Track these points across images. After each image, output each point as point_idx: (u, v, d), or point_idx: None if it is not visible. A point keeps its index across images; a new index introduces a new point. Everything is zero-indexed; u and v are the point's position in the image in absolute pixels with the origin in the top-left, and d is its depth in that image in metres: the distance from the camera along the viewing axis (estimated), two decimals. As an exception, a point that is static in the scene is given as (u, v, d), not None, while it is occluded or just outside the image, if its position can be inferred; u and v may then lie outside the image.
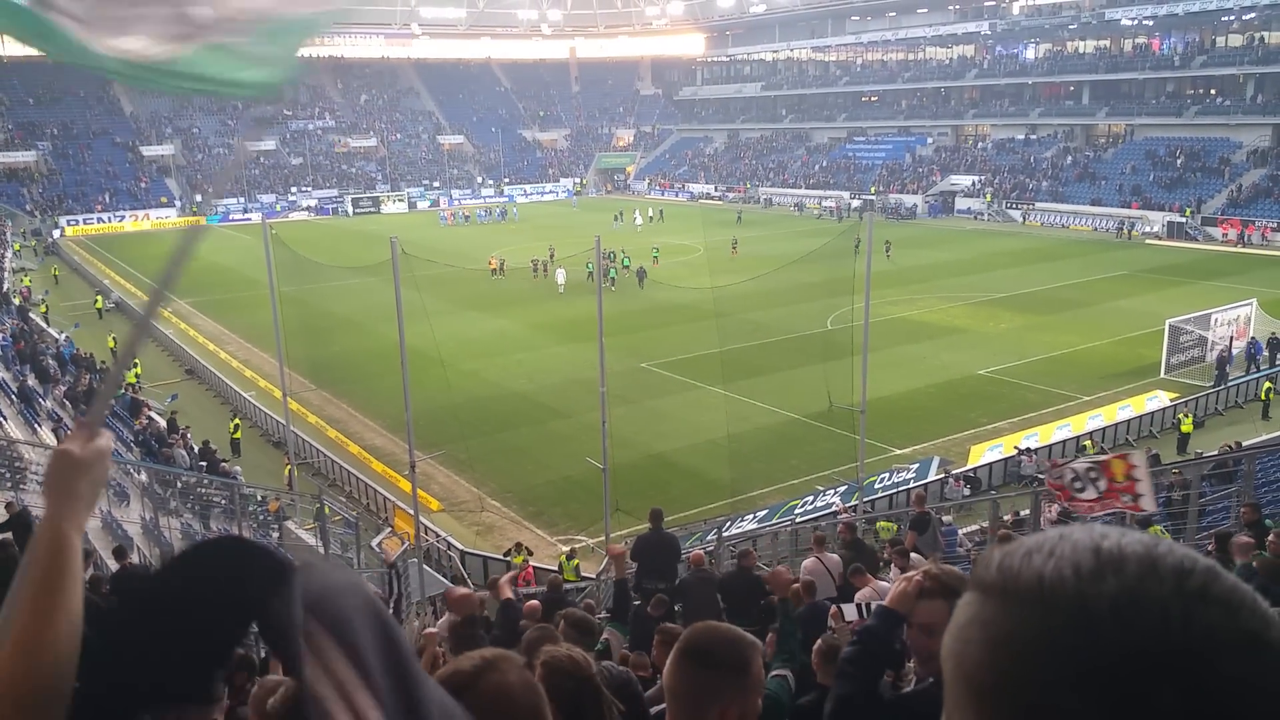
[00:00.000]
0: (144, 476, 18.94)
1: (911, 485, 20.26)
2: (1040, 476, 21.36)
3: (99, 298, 42.28)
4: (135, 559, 12.13)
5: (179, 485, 19.21)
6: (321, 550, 17.42)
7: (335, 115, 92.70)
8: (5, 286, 42.83)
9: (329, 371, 29.74)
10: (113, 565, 10.94)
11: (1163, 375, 27.85)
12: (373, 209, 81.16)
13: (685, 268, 47.14)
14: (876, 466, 21.65)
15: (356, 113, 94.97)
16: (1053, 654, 0.72)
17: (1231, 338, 28.64)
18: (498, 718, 1.52)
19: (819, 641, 4.61)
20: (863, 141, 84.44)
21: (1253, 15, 62.65)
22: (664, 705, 2.35)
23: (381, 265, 17.52)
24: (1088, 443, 23.09)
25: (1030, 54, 77.69)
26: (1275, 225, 52.89)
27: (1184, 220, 56.33)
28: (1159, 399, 26.26)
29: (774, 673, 4.22)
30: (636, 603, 8.61)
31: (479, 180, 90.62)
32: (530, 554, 18.10)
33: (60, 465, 1.43)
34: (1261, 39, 63.58)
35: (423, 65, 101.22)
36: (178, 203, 77.53)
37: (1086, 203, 62.87)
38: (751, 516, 19.75)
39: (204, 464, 22.27)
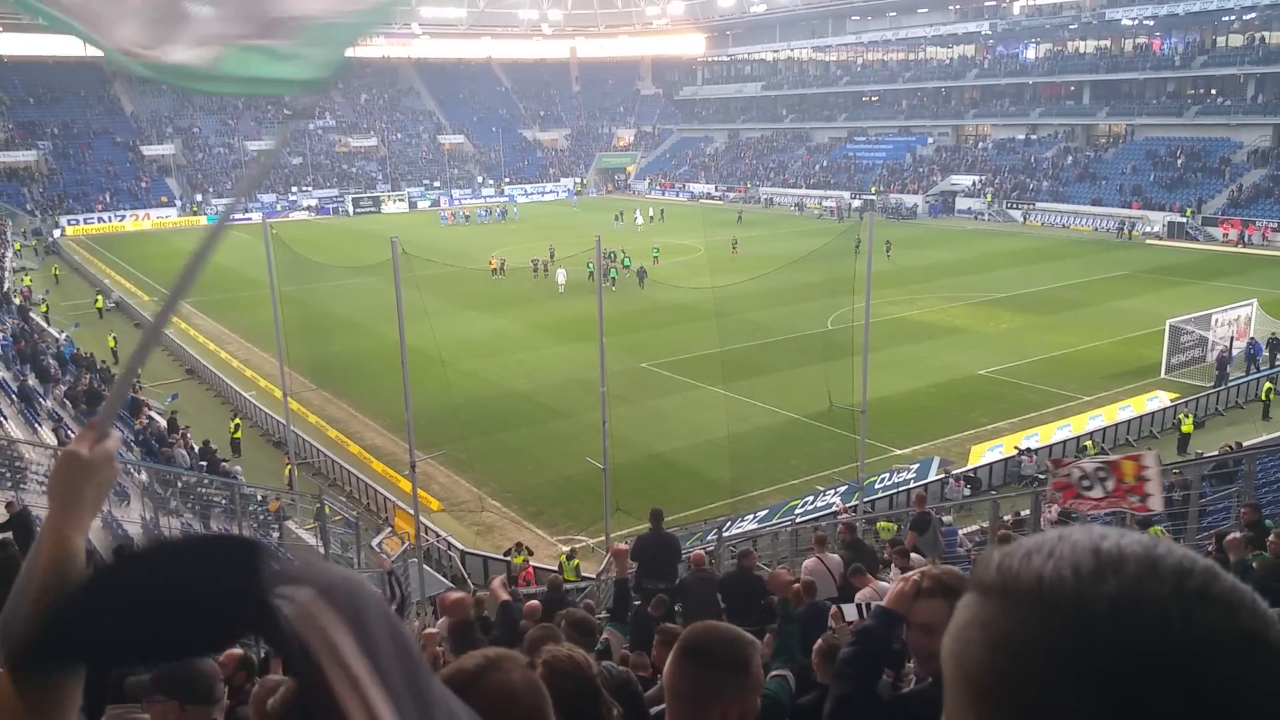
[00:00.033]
0: (144, 476, 18.93)
1: (912, 485, 20.27)
2: (1041, 476, 21.39)
3: (99, 297, 42.30)
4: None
5: (179, 485, 19.21)
6: (322, 550, 17.42)
7: (336, 115, 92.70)
8: (6, 286, 42.84)
9: (329, 371, 29.75)
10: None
11: (1163, 375, 27.84)
12: (373, 209, 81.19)
13: (686, 268, 47.15)
14: (877, 466, 21.65)
15: (357, 112, 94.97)
16: (1052, 654, 0.72)
17: (1232, 338, 28.63)
18: (500, 717, 1.53)
19: (819, 641, 4.61)
20: (863, 141, 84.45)
21: (1253, 15, 62.64)
22: (664, 705, 2.35)
23: (382, 265, 17.52)
24: (1088, 443, 23.08)
25: (1031, 54, 77.68)
26: (1276, 225, 52.88)
27: (1184, 220, 56.32)
28: (1159, 399, 26.26)
29: (774, 673, 4.22)
30: (637, 603, 8.61)
31: (479, 180, 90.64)
32: (530, 554, 18.10)
33: (67, 468, 1.42)
34: (1262, 39, 63.57)
35: (423, 65, 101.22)
36: (178, 202, 77.57)
37: (1087, 203, 62.87)
38: (751, 516, 19.75)
39: (204, 464, 22.27)
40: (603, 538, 17.86)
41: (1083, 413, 25.71)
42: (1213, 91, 65.71)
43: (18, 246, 58.68)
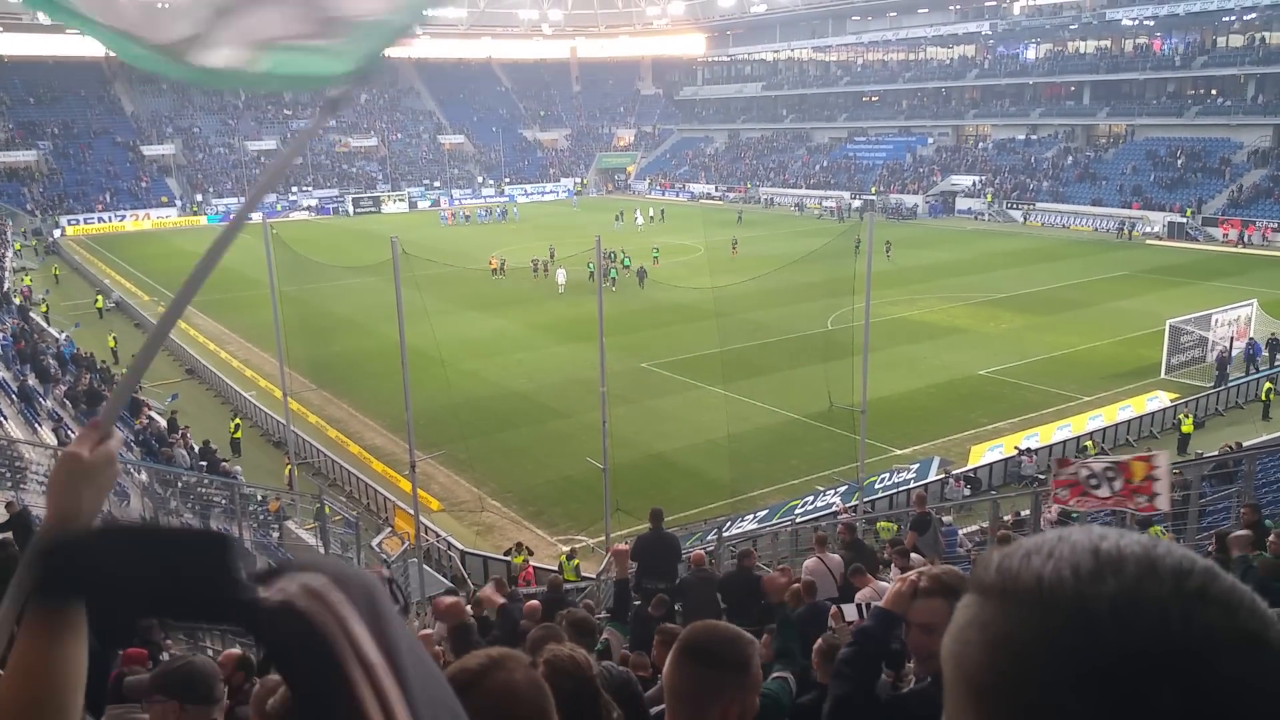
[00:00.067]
0: (144, 476, 18.94)
1: (912, 485, 20.27)
2: (1041, 476, 21.39)
3: (99, 297, 42.31)
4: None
5: (179, 485, 19.20)
6: (321, 550, 17.42)
7: (336, 115, 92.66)
8: (6, 286, 42.86)
9: (329, 371, 29.76)
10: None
11: (1163, 376, 27.84)
12: (373, 209, 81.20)
13: (686, 268, 47.15)
14: (877, 467, 21.65)
15: (357, 112, 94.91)
16: (1052, 655, 0.72)
17: (1232, 338, 28.64)
18: (503, 716, 1.53)
19: (819, 641, 4.62)
20: (863, 141, 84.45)
21: (1254, 15, 62.65)
22: (664, 705, 2.35)
23: (382, 265, 17.53)
24: (1089, 443, 23.09)
25: (1031, 54, 77.69)
26: (1276, 225, 52.88)
27: (1184, 220, 56.32)
28: (1159, 399, 26.26)
29: (775, 674, 4.22)
30: (637, 603, 8.61)
31: (479, 180, 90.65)
32: (530, 554, 18.11)
33: (66, 469, 1.39)
34: (1262, 39, 63.57)
35: (423, 65, 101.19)
36: (178, 202, 77.59)
37: (1087, 203, 62.88)
38: (752, 516, 19.75)
39: (204, 464, 22.28)
40: (603, 538, 17.86)
41: (1083, 413, 25.71)
42: (1213, 92, 65.70)
43: (18, 246, 58.69)
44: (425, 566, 17.72)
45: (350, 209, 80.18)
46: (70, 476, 1.39)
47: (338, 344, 32.71)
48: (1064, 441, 23.52)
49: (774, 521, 19.02)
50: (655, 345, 33.12)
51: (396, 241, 16.32)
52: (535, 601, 8.41)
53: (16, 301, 39.84)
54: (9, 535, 9.12)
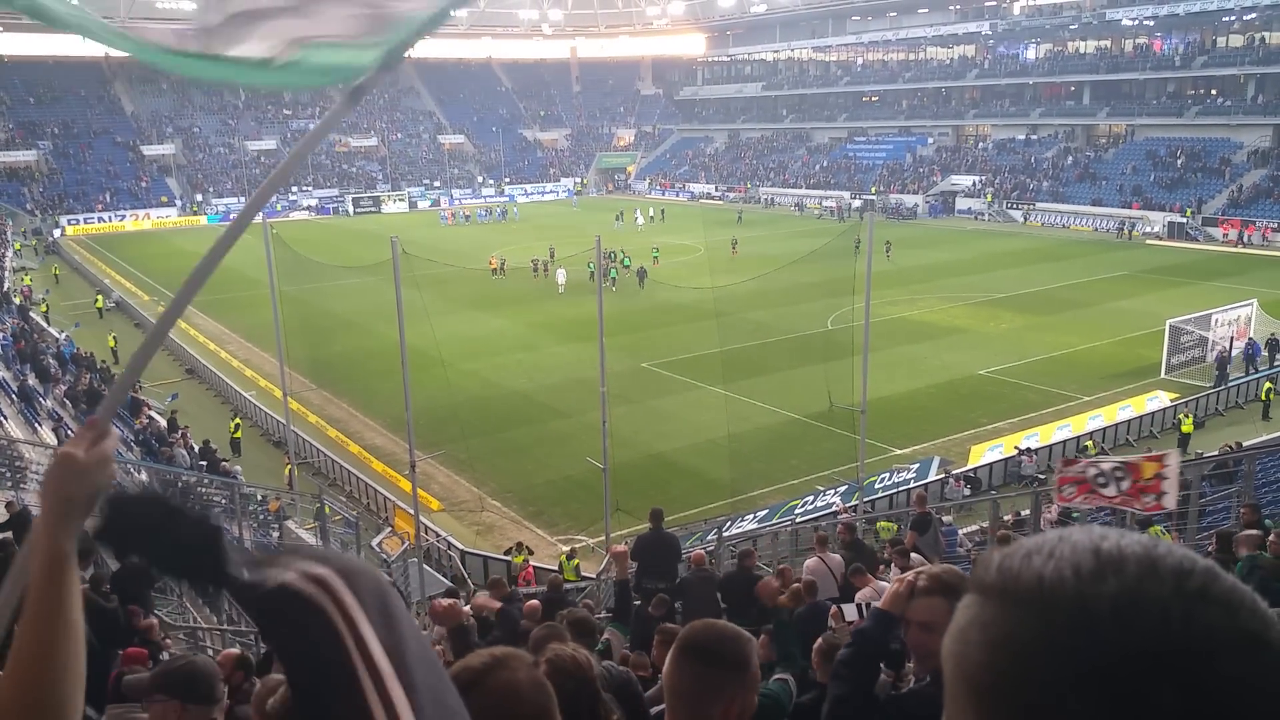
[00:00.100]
0: (144, 476, 18.93)
1: (912, 485, 20.27)
2: (1041, 476, 21.39)
3: (99, 297, 42.31)
4: (135, 558, 12.10)
5: (179, 485, 19.20)
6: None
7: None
8: (6, 286, 42.87)
9: (329, 371, 29.76)
10: (113, 564, 10.94)
11: (1163, 375, 27.84)
12: (373, 209, 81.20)
13: (686, 268, 47.14)
14: (877, 466, 21.65)
15: (357, 112, 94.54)
16: (1053, 654, 0.72)
17: (1232, 338, 28.64)
18: (506, 715, 1.53)
19: (819, 640, 4.62)
20: (863, 141, 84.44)
21: (1253, 15, 62.64)
22: (664, 705, 2.35)
23: (382, 265, 17.52)
24: (1089, 443, 23.09)
25: (1031, 54, 77.68)
26: (1276, 226, 52.87)
27: (1184, 220, 56.32)
28: (1159, 399, 26.26)
29: (776, 676, 4.22)
30: (637, 603, 8.61)
31: (479, 180, 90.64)
32: (530, 554, 18.11)
33: (62, 470, 1.38)
34: (1262, 39, 63.56)
35: (423, 65, 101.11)
36: (178, 202, 77.59)
37: (1087, 203, 62.87)
38: (752, 516, 19.75)
39: (204, 463, 22.27)
40: (603, 538, 17.85)
41: (1083, 413, 25.71)
42: (1213, 92, 65.71)
43: (18, 246, 58.69)
44: (425, 566, 17.72)
45: (350, 209, 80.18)
46: (65, 476, 1.37)
47: (338, 344, 32.71)
48: (1064, 441, 23.52)
49: (774, 521, 19.02)
50: (655, 345, 33.12)
51: (396, 241, 16.31)
52: (535, 601, 8.41)
53: (16, 301, 39.85)
54: (9, 535, 9.12)
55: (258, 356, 33.51)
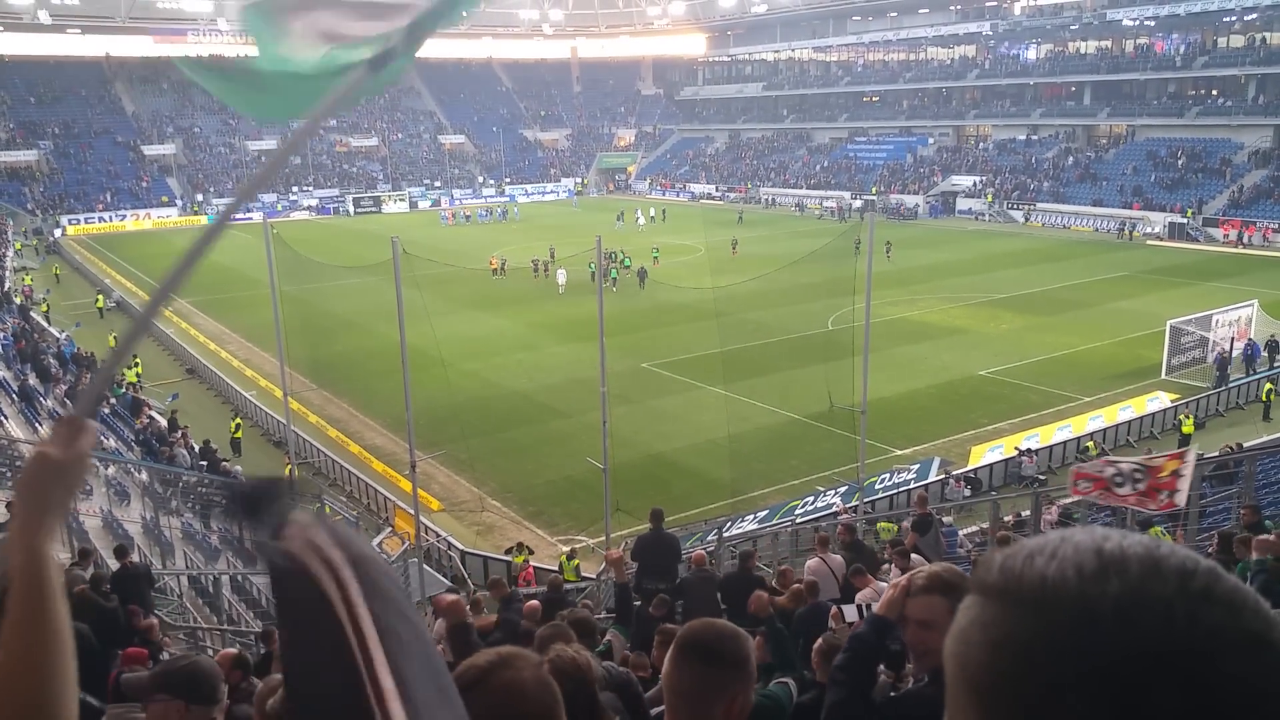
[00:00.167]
0: (145, 476, 18.95)
1: (912, 486, 20.27)
2: (1041, 477, 21.41)
3: (100, 297, 42.29)
4: (136, 558, 12.13)
5: (180, 484, 19.22)
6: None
7: (336, 114, 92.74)
8: (7, 285, 42.90)
9: (330, 371, 29.75)
10: (113, 564, 10.94)
11: (1163, 376, 27.82)
12: (374, 209, 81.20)
13: (686, 268, 47.14)
14: (877, 467, 21.64)
15: (358, 112, 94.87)
16: (1055, 655, 0.72)
17: (1232, 339, 28.63)
18: (509, 714, 1.52)
19: (819, 641, 4.62)
20: (864, 142, 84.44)
21: (1254, 16, 62.63)
22: (664, 705, 2.35)
23: (382, 265, 17.52)
24: (1089, 444, 23.08)
25: (1032, 54, 77.68)
26: (1276, 226, 52.85)
27: (1185, 221, 56.29)
28: (1160, 400, 26.25)
29: (777, 679, 4.23)
30: (637, 603, 8.61)
31: (480, 180, 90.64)
32: (531, 554, 18.12)
33: (37, 470, 1.34)
34: (1263, 40, 63.55)
35: (423, 65, 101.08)
36: (179, 202, 77.60)
37: (1088, 203, 62.85)
38: (752, 517, 19.75)
39: (205, 463, 22.28)
40: (603, 538, 17.85)
41: (1083, 413, 25.70)
42: (1213, 92, 65.68)
43: (19, 246, 58.72)
44: (425, 566, 17.72)
45: (351, 209, 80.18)
46: (39, 476, 1.34)
47: (338, 344, 32.71)
48: (1064, 442, 23.52)
49: (774, 522, 19.02)
50: (655, 345, 33.12)
51: (397, 241, 16.31)
52: (535, 602, 8.41)
53: (17, 301, 39.86)
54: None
55: (258, 356, 33.51)
